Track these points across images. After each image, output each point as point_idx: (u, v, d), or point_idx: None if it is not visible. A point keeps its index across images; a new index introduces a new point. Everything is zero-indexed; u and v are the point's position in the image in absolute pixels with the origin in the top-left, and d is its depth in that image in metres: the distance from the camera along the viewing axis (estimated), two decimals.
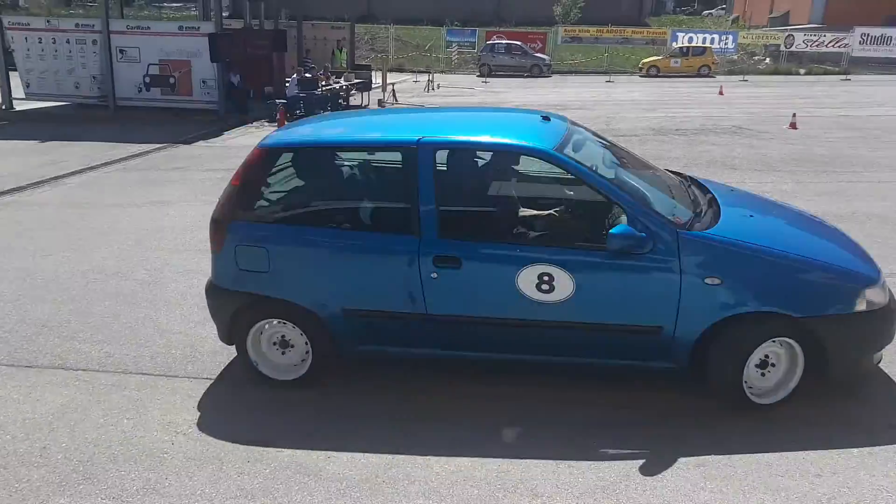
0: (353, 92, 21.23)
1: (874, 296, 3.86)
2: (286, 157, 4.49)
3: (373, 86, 23.78)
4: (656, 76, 33.54)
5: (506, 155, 4.52)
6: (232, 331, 4.34)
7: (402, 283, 4.00)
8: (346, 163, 4.64)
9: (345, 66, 23.61)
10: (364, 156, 4.65)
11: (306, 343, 4.27)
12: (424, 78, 26.95)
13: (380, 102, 21.04)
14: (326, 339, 4.22)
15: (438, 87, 26.71)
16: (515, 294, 3.88)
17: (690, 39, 37.14)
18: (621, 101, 22.52)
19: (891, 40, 35.33)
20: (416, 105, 21.20)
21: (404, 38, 41.37)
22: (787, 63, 36.44)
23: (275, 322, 4.27)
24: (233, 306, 4.27)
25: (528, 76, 33.59)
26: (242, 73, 19.51)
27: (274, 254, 4.12)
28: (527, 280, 3.86)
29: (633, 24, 49.71)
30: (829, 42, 36.36)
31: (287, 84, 18.75)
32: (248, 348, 4.32)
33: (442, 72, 34.00)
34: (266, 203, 4.42)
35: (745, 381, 3.88)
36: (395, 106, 20.97)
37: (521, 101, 22.23)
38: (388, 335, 4.21)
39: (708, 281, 3.74)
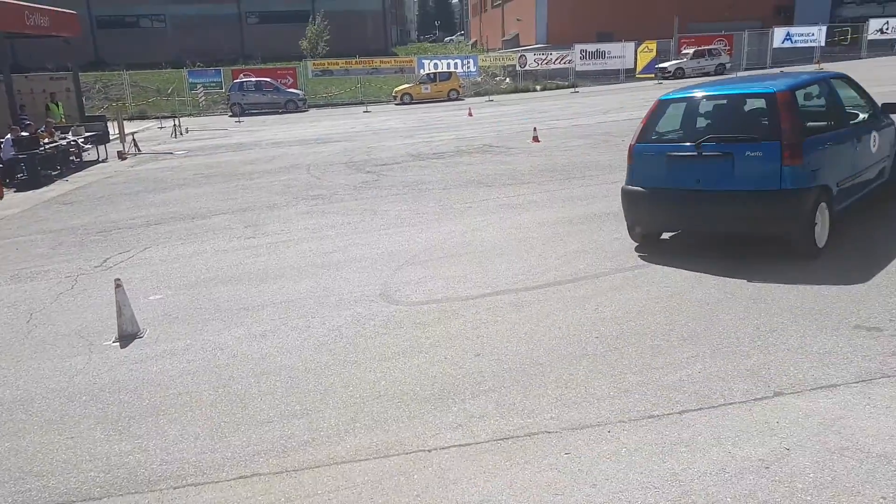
0: (86, 146, 19.08)
1: None
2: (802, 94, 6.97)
3: (111, 137, 21.62)
4: (410, 103, 34.66)
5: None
6: (812, 217, 6.17)
7: (857, 155, 6.97)
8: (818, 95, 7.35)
9: (63, 120, 21.11)
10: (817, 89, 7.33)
11: (824, 216, 6.34)
12: (171, 123, 25.13)
13: (119, 154, 19.12)
14: (833, 209, 6.46)
15: (187, 130, 25.06)
16: (869, 151, 7.24)
17: (436, 66, 39.00)
18: (380, 129, 22.80)
19: (605, 54, 40.09)
20: (162, 151, 19.63)
21: (142, 83, 38.52)
22: (524, 81, 39.76)
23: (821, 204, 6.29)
24: (811, 199, 6.13)
25: (283, 112, 32.91)
26: None
27: (821, 155, 6.34)
28: (871, 143, 7.23)
29: (381, 55, 51.27)
30: (556, 59, 40.34)
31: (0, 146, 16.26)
32: (815, 226, 6.24)
33: (190, 115, 32.15)
34: (812, 125, 6.69)
35: None
36: (139, 156, 19.22)
37: (281, 138, 21.58)
38: (848, 194, 6.80)
39: None
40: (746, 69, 38.70)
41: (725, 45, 39.96)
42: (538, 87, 38.62)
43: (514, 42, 56.43)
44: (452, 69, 38.17)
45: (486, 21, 73.99)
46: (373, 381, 4.71)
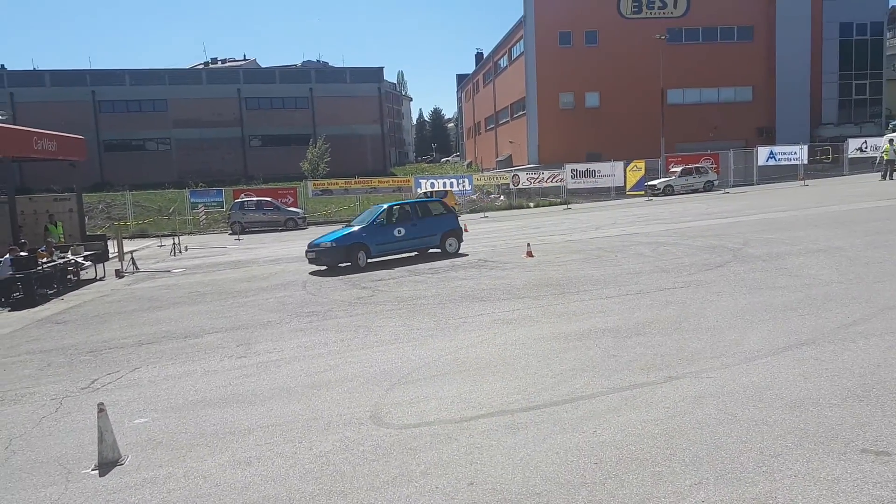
0: (85, 265, 19.20)
1: None
2: None
3: (110, 255, 21.81)
4: None
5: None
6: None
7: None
8: None
9: (63, 239, 21.38)
10: None
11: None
12: (170, 242, 25.46)
13: (117, 273, 19.21)
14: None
15: (186, 248, 25.34)
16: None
17: (433, 184, 40.11)
18: None
19: (595, 173, 41.36)
20: (160, 269, 19.73)
21: (144, 202, 39.43)
22: (518, 198, 40.77)
23: None
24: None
25: (283, 230, 33.46)
26: None
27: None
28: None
29: (380, 174, 52.92)
30: (548, 178, 41.57)
31: None
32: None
33: (190, 233, 32.66)
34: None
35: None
36: (137, 274, 19.32)
37: (279, 255, 21.78)
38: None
39: None
40: (734, 186, 39.85)
41: (712, 164, 41.34)
42: (532, 205, 39.54)
43: (507, 162, 58.44)
44: (448, 188, 39.21)
45: (480, 143, 76.98)
46: None
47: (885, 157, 32.42)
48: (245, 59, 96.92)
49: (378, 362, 8.20)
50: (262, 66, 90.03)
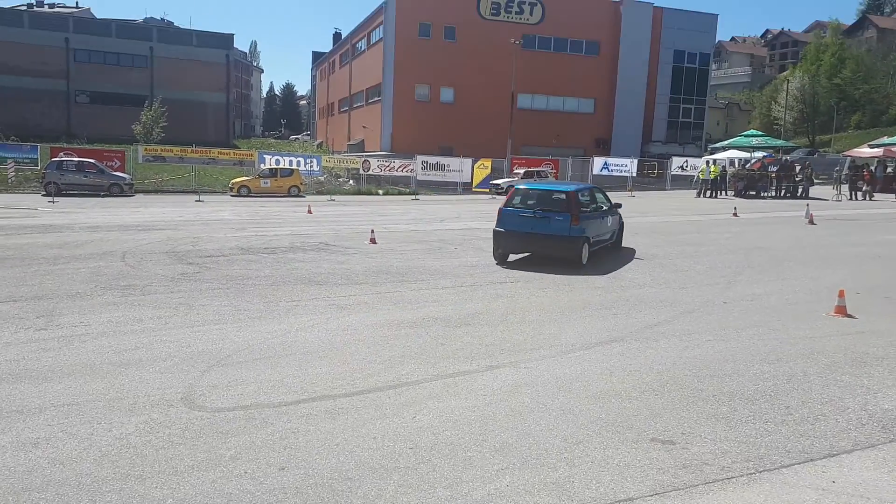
0: None
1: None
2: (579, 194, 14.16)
3: None
4: (247, 196, 33.90)
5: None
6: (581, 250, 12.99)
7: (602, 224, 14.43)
8: None
9: None
10: None
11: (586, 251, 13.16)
12: None
13: None
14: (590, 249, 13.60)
15: None
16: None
17: (278, 161, 38.77)
18: (210, 220, 21.92)
19: (445, 167, 42.04)
20: None
21: None
22: (367, 184, 40.52)
23: None
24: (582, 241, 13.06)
25: (106, 195, 30.83)
26: None
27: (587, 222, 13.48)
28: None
29: (222, 146, 50.40)
30: (399, 167, 41.69)
31: None
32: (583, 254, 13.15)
33: None
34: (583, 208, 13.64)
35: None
36: None
37: (99, 222, 20.01)
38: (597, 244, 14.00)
39: None
40: None
41: (552, 169, 43.54)
42: (381, 192, 39.47)
43: (359, 147, 57.97)
44: (295, 166, 38.12)
45: (333, 124, 75.78)
46: (157, 501, 4.17)
47: (702, 177, 35.93)
48: (77, 7, 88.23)
49: (197, 342, 7.76)
50: (98, 16, 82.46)
